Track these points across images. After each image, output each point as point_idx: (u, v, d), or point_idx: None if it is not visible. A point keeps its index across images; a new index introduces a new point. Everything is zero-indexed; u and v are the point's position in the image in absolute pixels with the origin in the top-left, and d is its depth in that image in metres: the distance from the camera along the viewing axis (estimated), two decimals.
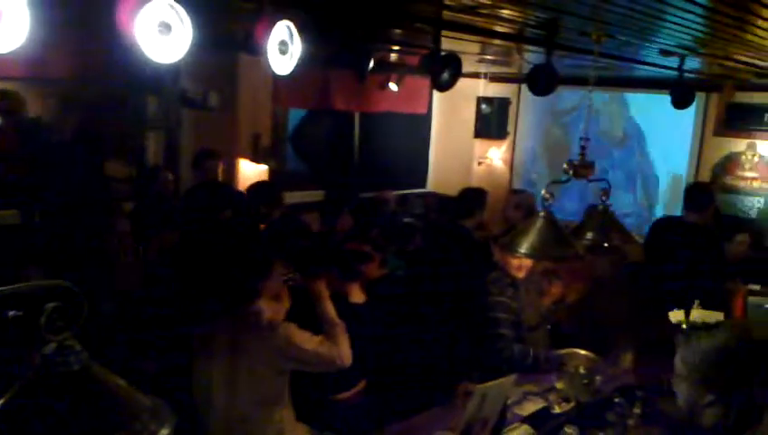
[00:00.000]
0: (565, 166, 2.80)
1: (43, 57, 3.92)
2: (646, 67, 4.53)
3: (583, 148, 2.78)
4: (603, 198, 2.77)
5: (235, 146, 5.42)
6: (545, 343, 3.61)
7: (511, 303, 3.34)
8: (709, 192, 4.57)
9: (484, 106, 7.50)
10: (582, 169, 2.79)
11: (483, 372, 2.83)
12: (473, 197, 4.65)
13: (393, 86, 6.38)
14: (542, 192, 2.61)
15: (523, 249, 2.58)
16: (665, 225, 4.37)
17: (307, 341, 2.60)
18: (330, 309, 2.78)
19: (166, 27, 2.15)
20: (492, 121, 7.51)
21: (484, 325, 3.30)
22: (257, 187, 4.68)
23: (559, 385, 3.03)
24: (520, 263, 3.39)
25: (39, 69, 4.06)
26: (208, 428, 2.63)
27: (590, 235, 2.78)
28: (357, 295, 3.09)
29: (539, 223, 2.57)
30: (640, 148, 6.94)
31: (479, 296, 3.37)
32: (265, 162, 5.54)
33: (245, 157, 5.50)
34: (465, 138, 7.74)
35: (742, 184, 6.06)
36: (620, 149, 7.01)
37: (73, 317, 1.18)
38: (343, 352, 2.65)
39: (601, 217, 2.79)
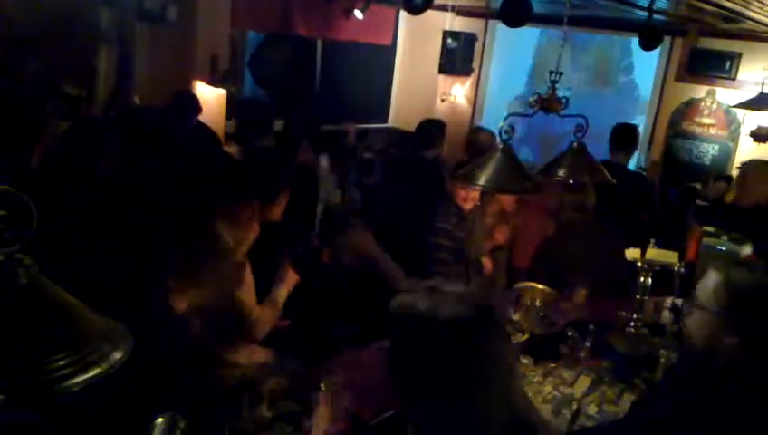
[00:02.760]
0: (531, 100, 2.75)
1: None
2: (618, 5, 4.48)
3: (554, 82, 2.73)
4: (578, 134, 2.73)
5: (192, 67, 5.20)
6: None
7: (453, 230, 3.41)
8: (633, 132, 4.66)
9: (450, 41, 7.34)
10: (552, 103, 2.74)
11: None
12: (432, 128, 4.61)
13: (358, 14, 6.19)
14: (500, 125, 2.57)
15: (481, 181, 2.57)
16: None
17: (247, 289, 2.56)
18: (282, 296, 2.74)
19: None
20: (457, 57, 7.39)
21: (424, 250, 3.38)
22: (251, 106, 4.57)
23: (515, 317, 3.08)
24: (467, 194, 3.44)
25: None
26: (167, 354, 2.58)
27: (562, 172, 2.75)
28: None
29: (497, 156, 2.55)
30: None
31: (425, 223, 3.44)
32: (223, 86, 5.35)
33: (202, 79, 5.30)
34: (429, 73, 7.62)
35: (699, 130, 6.15)
36: None
37: (22, 229, 1.10)
38: (260, 333, 2.64)
39: (575, 155, 2.76)
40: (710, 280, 1.76)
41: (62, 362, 1.09)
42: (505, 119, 2.59)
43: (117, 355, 1.15)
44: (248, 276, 2.59)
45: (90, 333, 1.17)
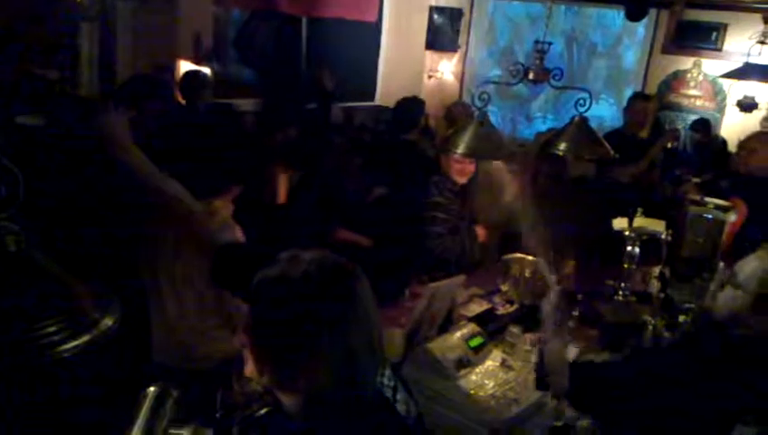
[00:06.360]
0: (512, 68, 2.75)
1: None
2: None
3: (540, 51, 2.73)
4: (580, 108, 2.73)
5: (175, 45, 5.15)
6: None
7: (448, 203, 3.43)
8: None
9: (436, 16, 7.30)
10: (539, 74, 2.74)
11: (422, 271, 2.90)
12: (410, 108, 4.58)
13: None
14: (476, 93, 2.60)
15: (460, 149, 2.61)
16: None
17: None
18: None
19: None
20: (444, 33, 7.35)
21: (419, 224, 3.40)
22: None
23: (504, 288, 3.11)
24: (462, 168, 3.44)
25: None
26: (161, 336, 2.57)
27: (563, 146, 2.75)
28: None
29: (473, 124, 2.59)
30: None
31: (419, 198, 3.46)
32: (207, 65, 5.30)
33: (186, 58, 5.24)
34: (416, 50, 7.56)
35: (685, 102, 6.18)
36: None
37: (9, 198, 1.10)
38: None
39: (577, 129, 2.75)
40: (750, 265, 1.97)
41: (52, 329, 1.09)
42: (479, 86, 2.62)
43: (107, 322, 1.15)
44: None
45: (80, 300, 1.17)
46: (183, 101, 4.67)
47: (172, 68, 5.04)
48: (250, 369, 1.30)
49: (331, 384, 1.22)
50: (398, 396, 1.37)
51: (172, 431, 1.47)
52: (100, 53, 4.89)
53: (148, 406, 1.44)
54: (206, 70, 5.16)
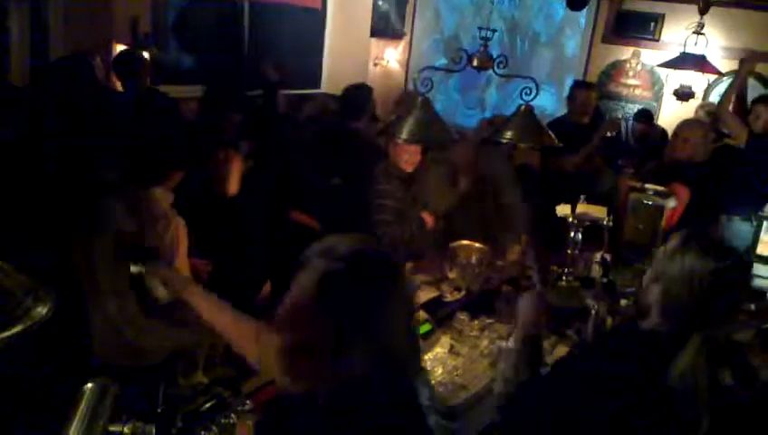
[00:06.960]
0: (455, 55, 2.74)
1: None
2: None
3: (484, 38, 2.73)
4: (526, 97, 2.73)
5: (111, 29, 4.95)
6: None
7: (395, 192, 3.42)
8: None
9: (381, 3, 7.27)
10: (484, 61, 2.74)
11: None
12: (358, 95, 4.53)
13: None
14: (419, 79, 2.58)
15: (403, 135, 2.60)
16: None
17: (183, 255, 2.48)
18: None
19: None
20: (389, 20, 7.33)
21: (368, 213, 3.38)
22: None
23: (451, 275, 3.13)
24: (409, 157, 3.43)
25: None
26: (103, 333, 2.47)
27: (509, 134, 2.75)
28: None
29: (417, 110, 2.58)
30: None
31: (367, 186, 3.46)
32: (146, 50, 5.12)
33: (123, 43, 5.05)
34: (361, 37, 7.51)
35: (625, 91, 6.34)
36: None
37: None
38: None
39: (523, 117, 2.75)
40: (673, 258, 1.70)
41: None
42: (421, 72, 2.60)
43: (41, 311, 1.09)
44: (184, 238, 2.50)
45: (11, 289, 1.11)
46: (120, 87, 4.52)
47: (108, 53, 4.85)
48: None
49: (381, 374, 1.21)
50: None
51: (112, 428, 1.41)
52: (30, 37, 4.68)
53: (86, 402, 1.38)
54: (145, 55, 5.00)
